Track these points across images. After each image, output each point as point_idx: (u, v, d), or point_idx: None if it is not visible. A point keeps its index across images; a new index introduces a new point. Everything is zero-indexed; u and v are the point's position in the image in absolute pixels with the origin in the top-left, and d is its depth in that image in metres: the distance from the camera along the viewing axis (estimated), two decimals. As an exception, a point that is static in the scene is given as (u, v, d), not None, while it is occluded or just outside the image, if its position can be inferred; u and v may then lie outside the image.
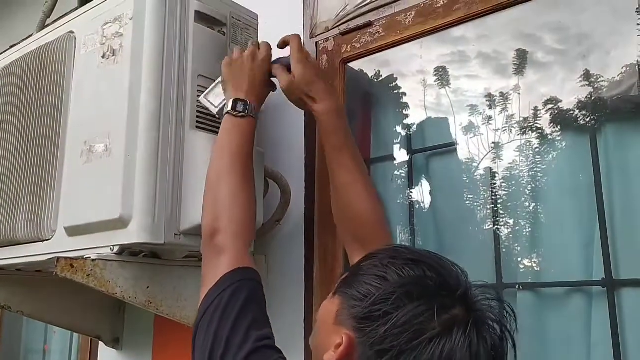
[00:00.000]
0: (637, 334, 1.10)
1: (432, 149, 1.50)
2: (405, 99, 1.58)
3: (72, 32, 1.35)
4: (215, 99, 1.18)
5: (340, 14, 1.49)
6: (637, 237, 1.12)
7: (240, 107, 1.09)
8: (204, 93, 1.20)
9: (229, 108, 1.09)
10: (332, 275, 1.36)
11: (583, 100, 1.26)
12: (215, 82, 1.20)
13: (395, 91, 1.59)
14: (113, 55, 1.21)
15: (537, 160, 1.31)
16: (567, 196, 1.25)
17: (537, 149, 1.31)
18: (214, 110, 1.18)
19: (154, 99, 1.16)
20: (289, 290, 1.43)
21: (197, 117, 1.22)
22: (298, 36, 1.18)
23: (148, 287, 1.19)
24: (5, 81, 1.52)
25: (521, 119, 1.34)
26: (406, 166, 1.53)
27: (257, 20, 1.38)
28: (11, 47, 1.59)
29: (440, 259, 0.77)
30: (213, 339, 0.84)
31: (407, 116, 1.56)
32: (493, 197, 1.36)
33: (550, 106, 1.30)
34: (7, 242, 1.38)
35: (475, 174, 1.42)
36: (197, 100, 1.20)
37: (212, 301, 0.88)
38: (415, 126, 1.55)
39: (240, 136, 1.07)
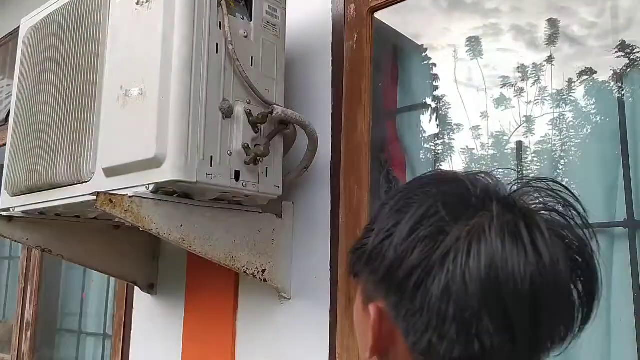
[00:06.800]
0: (657, 273, 1.11)
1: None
2: (435, 70, 1.57)
3: (107, -19, 1.39)
4: None
5: (369, -36, 1.50)
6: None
7: None
8: None
9: None
10: (358, 220, 1.40)
11: (619, 72, 1.24)
12: None
13: (425, 62, 1.58)
14: (147, 2, 1.25)
15: (570, 133, 1.30)
16: (592, 139, 1.25)
17: (571, 122, 1.30)
18: None
19: (187, 44, 1.20)
20: (315, 235, 1.48)
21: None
22: None
23: (181, 226, 1.25)
24: (44, 33, 1.58)
25: (554, 91, 1.33)
26: (435, 139, 1.53)
27: (286, -31, 1.40)
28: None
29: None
30: None
31: (436, 88, 1.55)
32: (524, 172, 1.35)
33: (584, 77, 1.29)
34: (48, 185, 1.45)
35: (507, 148, 1.41)
36: None
37: None
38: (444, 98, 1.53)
39: None
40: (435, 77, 1.55)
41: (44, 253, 1.72)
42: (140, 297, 1.95)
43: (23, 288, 2.65)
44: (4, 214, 1.60)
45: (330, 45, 1.52)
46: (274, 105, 1.32)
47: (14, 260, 3.16)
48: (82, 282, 2.62)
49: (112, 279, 2.27)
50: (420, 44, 1.59)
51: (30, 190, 1.51)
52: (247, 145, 1.27)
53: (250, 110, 1.28)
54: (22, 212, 1.57)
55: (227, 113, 1.25)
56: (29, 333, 2.57)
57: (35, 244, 1.65)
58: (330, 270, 1.44)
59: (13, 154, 1.60)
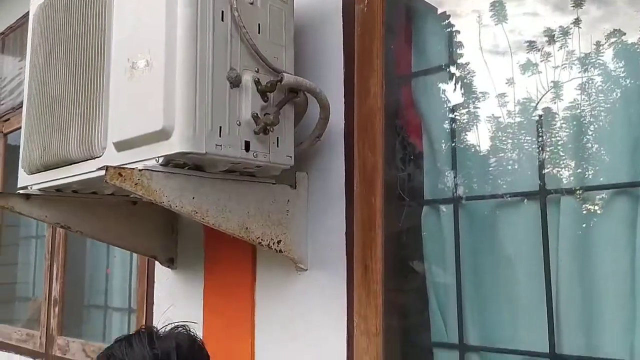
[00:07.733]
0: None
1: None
2: (458, 37, 1.50)
3: (110, -47, 1.36)
4: None
5: None
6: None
7: None
8: None
9: None
10: (372, 188, 1.38)
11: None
12: None
13: (448, 29, 1.52)
14: (149, -30, 1.22)
15: (599, 98, 1.24)
16: (621, 103, 1.20)
17: (600, 86, 1.24)
18: None
19: (191, 12, 1.18)
20: (330, 205, 1.46)
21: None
22: None
23: (193, 198, 1.24)
24: (52, 9, 1.56)
25: (582, 54, 1.27)
26: (460, 108, 1.47)
27: None
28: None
29: None
30: None
31: (461, 55, 1.49)
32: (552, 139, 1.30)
33: (613, 39, 1.23)
34: (62, 162, 1.45)
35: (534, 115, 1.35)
36: None
37: None
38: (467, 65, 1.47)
39: None
40: (459, 45, 1.49)
41: (64, 230, 1.74)
42: (161, 272, 1.96)
43: (49, 265, 2.70)
44: (22, 192, 1.61)
45: (341, 9, 1.48)
46: (283, 73, 1.29)
47: (40, 239, 3.22)
48: (106, 258, 2.67)
49: (134, 254, 2.29)
50: (442, 10, 1.53)
51: (46, 168, 1.52)
52: (257, 114, 1.24)
53: (258, 79, 1.25)
54: (39, 189, 1.58)
55: (235, 82, 1.23)
56: (56, 309, 2.62)
57: (55, 221, 1.67)
58: (345, 239, 1.42)
59: (28, 131, 1.60)
